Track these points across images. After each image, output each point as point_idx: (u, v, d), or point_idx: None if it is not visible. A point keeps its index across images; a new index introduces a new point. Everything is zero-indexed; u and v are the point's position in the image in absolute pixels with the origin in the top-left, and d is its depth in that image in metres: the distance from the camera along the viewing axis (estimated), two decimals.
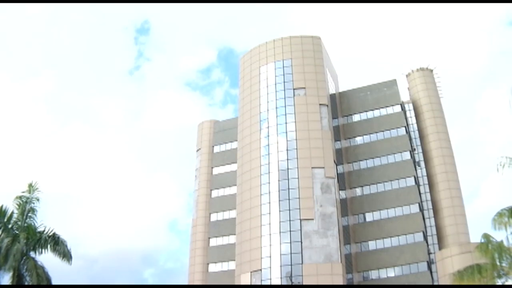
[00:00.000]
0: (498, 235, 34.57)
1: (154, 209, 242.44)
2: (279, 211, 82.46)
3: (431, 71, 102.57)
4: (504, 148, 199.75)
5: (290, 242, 79.92)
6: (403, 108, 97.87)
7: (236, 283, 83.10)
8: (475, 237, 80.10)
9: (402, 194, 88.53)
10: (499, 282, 34.26)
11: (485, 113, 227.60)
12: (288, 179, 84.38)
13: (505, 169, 33.07)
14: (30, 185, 38.18)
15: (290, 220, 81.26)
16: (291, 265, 78.35)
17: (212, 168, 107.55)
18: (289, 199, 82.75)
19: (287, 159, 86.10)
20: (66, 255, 38.21)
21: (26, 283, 36.80)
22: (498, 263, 34.08)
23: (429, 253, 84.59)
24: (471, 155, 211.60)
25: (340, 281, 75.77)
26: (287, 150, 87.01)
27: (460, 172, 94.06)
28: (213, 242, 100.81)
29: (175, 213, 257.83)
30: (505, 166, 33.10)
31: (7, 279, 35.62)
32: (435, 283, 78.91)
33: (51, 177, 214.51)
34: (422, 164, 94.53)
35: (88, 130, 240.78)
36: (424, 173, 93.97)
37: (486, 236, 34.94)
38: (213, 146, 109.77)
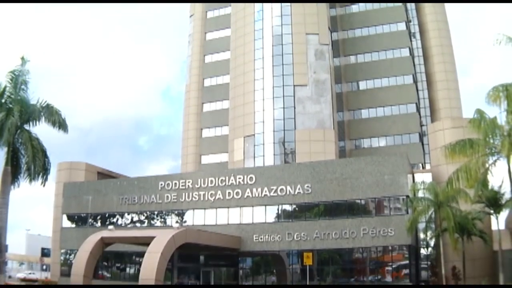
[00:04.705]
0: (490, 112, 34.46)
1: (147, 78, 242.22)
2: (273, 76, 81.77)
3: None
4: (497, 29, 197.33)
5: (283, 108, 79.98)
6: None
7: (230, 148, 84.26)
8: (464, 114, 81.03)
9: (396, 64, 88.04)
10: (491, 159, 34.50)
11: None
12: (282, 45, 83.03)
13: (501, 46, 32.64)
14: (22, 58, 37.47)
15: (283, 86, 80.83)
16: (284, 130, 78.87)
17: (205, 33, 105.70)
18: (282, 65, 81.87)
19: (281, 25, 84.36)
20: (61, 124, 38.14)
21: (21, 156, 37.08)
22: (490, 140, 34.11)
23: (421, 125, 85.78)
24: (463, 34, 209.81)
25: (332, 148, 76.75)
26: (281, 15, 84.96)
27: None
28: (207, 107, 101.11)
29: (168, 81, 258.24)
30: (501, 43, 32.62)
31: (2, 154, 35.82)
32: (426, 155, 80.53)
33: (41, 51, 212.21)
34: (418, 36, 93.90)
35: None
36: (419, 45, 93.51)
37: (479, 111, 34.46)
38: (206, 12, 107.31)
